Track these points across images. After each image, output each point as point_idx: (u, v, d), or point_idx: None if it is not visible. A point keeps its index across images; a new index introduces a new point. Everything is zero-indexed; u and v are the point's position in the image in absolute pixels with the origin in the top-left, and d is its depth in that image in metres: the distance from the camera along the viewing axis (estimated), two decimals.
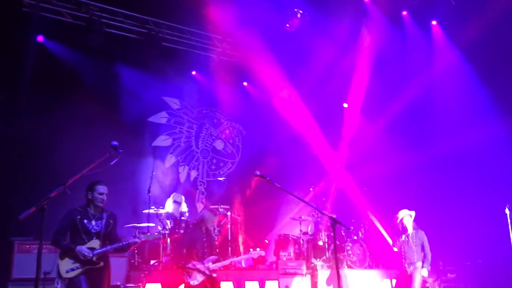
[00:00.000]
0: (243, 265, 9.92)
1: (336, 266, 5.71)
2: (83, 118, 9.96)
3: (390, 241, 11.06)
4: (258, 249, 7.76)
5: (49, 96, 9.75)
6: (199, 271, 6.87)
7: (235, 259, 8.02)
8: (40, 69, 9.75)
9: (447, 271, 10.46)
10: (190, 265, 6.88)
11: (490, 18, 9.92)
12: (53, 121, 9.64)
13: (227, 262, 7.40)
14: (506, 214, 7.80)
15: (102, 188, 5.71)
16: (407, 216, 8.51)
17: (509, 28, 9.98)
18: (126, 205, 9.92)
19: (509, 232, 7.73)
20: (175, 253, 7.27)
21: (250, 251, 7.82)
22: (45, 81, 9.79)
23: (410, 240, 8.32)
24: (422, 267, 8.19)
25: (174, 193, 10.28)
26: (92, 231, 5.59)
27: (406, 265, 8.28)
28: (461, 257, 10.57)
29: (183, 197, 10.01)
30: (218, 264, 7.12)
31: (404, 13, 11.52)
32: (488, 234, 9.65)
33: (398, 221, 8.55)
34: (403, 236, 8.45)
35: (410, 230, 8.43)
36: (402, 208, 8.56)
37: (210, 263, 7.03)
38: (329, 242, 9.76)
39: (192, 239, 7.17)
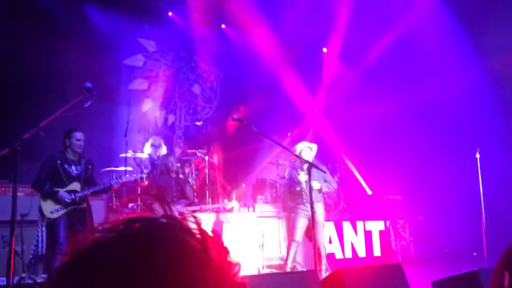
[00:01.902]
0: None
1: (311, 207, 5.87)
2: (56, 58, 9.63)
3: (365, 186, 11.39)
4: (232, 201, 7.76)
5: (18, 34, 9.35)
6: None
7: (206, 207, 7.75)
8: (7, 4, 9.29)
9: (417, 213, 10.87)
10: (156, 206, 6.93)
11: None
12: (24, 62, 9.29)
13: (197, 208, 7.31)
14: (476, 158, 8.00)
15: (79, 135, 5.87)
16: (306, 149, 7.17)
17: None
18: (103, 149, 9.83)
19: (478, 176, 7.97)
20: (145, 201, 7.34)
21: (225, 202, 7.81)
22: (13, 19, 9.34)
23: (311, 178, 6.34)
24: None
25: (154, 136, 10.23)
26: (73, 174, 5.83)
27: (307, 206, 6.77)
28: (431, 199, 10.95)
29: (162, 141, 9.98)
30: (189, 208, 7.15)
31: None
32: (458, 178, 9.97)
33: (297, 153, 7.03)
34: (303, 174, 6.93)
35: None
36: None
37: (180, 206, 7.08)
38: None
39: (160, 185, 7.20)
